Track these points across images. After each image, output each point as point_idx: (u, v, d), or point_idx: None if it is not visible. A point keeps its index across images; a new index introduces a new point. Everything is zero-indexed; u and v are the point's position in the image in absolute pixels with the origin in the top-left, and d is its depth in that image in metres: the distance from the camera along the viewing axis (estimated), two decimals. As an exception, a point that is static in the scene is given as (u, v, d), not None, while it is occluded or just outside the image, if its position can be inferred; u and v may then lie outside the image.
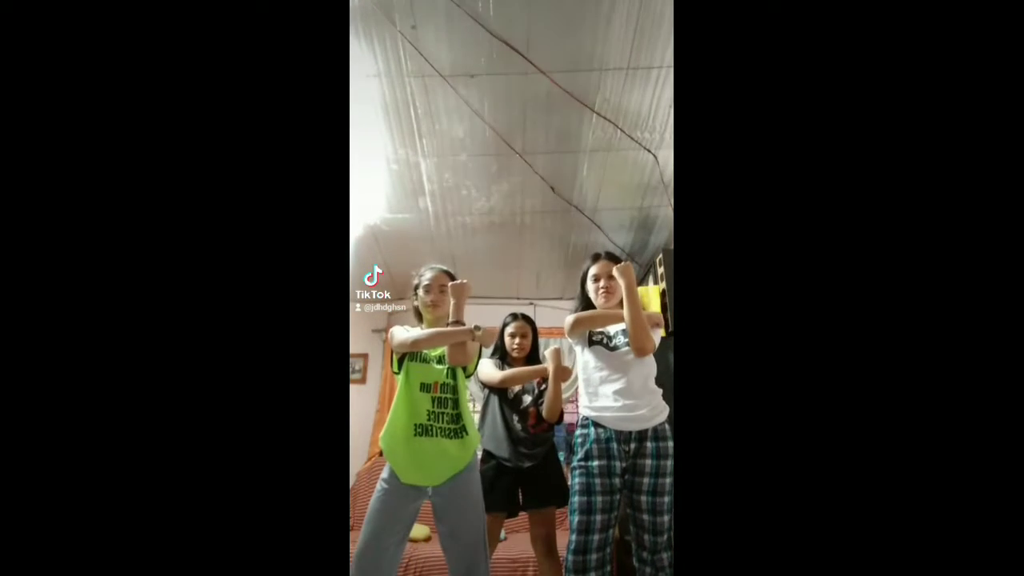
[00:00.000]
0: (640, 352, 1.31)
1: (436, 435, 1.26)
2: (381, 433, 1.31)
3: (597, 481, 1.27)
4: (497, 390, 1.67)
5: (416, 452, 1.25)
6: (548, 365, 1.57)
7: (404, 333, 1.31)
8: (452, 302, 1.31)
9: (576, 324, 1.39)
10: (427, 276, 1.42)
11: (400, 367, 1.33)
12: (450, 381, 1.32)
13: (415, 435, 1.26)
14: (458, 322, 1.28)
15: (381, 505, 1.23)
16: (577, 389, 1.60)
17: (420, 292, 1.42)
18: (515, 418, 1.62)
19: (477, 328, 1.25)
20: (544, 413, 1.59)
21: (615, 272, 1.36)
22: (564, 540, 1.35)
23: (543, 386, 1.65)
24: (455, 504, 1.26)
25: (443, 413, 1.29)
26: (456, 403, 1.31)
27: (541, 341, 3.03)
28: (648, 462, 1.28)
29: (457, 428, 1.29)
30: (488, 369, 1.64)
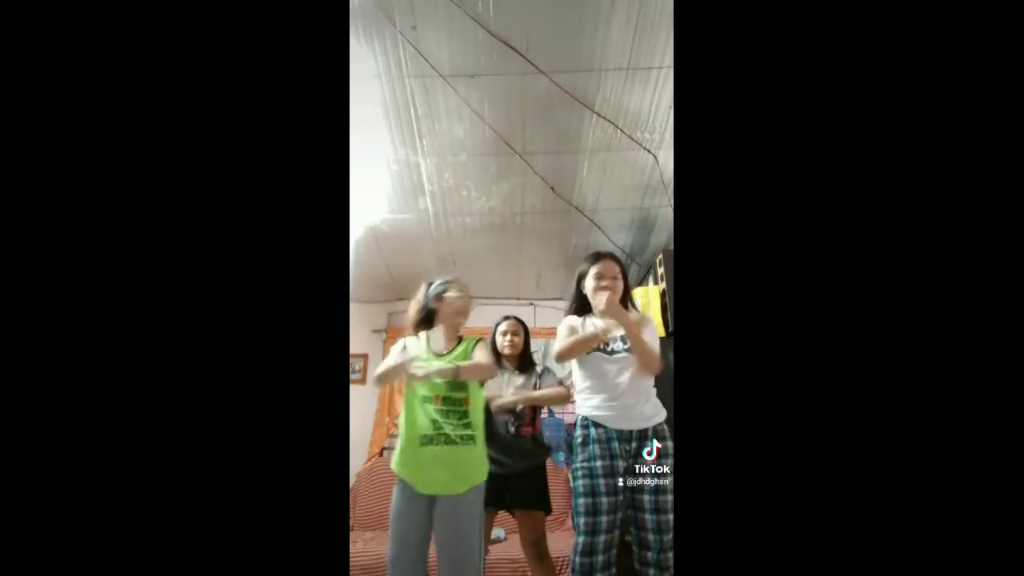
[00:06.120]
0: (651, 373, 1.35)
1: (440, 443, 1.29)
2: (394, 456, 1.37)
3: (601, 482, 1.27)
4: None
5: (422, 462, 1.29)
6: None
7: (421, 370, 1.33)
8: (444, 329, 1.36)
9: (564, 356, 1.40)
10: (455, 286, 1.46)
11: None
12: (453, 394, 1.34)
13: (421, 445, 1.30)
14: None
15: (395, 510, 1.29)
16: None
17: (451, 293, 1.44)
18: (509, 419, 1.64)
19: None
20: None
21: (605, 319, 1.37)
22: (566, 542, 1.36)
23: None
24: (452, 519, 1.27)
25: (448, 422, 1.31)
26: (465, 413, 1.33)
27: (542, 341, 3.05)
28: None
29: (464, 435, 1.31)
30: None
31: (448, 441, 1.29)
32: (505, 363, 1.74)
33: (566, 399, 1.64)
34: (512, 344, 1.74)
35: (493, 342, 1.78)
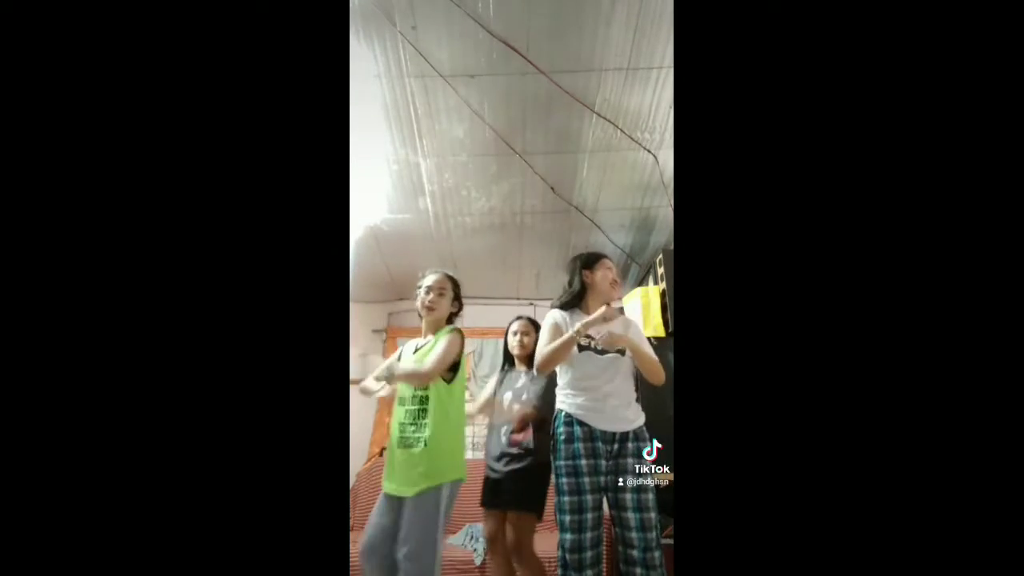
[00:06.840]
0: (659, 382, 1.39)
1: (405, 445, 1.32)
2: None
3: (586, 480, 1.29)
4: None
5: (391, 463, 1.34)
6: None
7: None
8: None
9: (546, 365, 1.40)
10: (429, 278, 1.48)
11: None
12: (420, 392, 1.35)
13: (397, 447, 1.33)
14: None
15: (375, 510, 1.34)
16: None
17: (420, 292, 1.47)
18: (504, 428, 1.65)
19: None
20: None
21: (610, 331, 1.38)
22: (552, 540, 1.37)
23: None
24: (409, 519, 1.24)
25: (411, 425, 1.33)
26: (425, 412, 1.32)
27: (541, 341, 3.04)
28: (631, 461, 1.31)
29: (420, 438, 1.30)
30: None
31: (408, 444, 1.31)
32: (516, 363, 1.77)
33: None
34: (522, 344, 1.76)
35: (505, 343, 1.81)
